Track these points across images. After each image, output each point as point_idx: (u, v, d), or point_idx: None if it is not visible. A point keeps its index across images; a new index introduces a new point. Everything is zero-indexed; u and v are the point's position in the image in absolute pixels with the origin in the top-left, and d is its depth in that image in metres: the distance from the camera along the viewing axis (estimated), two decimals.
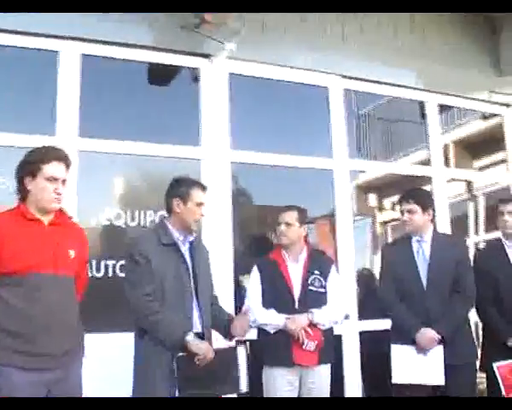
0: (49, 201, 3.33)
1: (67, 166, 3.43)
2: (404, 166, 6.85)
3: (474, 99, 6.73)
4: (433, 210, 4.52)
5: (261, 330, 4.38)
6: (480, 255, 4.80)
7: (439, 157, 6.34)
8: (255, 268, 4.51)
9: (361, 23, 5.99)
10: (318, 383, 4.32)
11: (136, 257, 3.68)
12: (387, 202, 10.47)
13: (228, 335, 3.95)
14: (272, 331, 4.29)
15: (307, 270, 4.42)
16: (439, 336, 4.18)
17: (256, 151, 5.42)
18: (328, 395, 4.38)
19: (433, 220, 4.51)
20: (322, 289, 4.41)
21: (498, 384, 4.27)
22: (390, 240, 6.02)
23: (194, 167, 5.04)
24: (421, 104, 6.60)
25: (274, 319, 4.28)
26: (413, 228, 4.41)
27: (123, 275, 4.75)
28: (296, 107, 5.84)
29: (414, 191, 4.57)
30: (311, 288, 4.37)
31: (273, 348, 4.25)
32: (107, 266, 4.83)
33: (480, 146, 7.57)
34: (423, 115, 6.67)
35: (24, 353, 3.15)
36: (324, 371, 4.38)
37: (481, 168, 7.83)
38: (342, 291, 4.51)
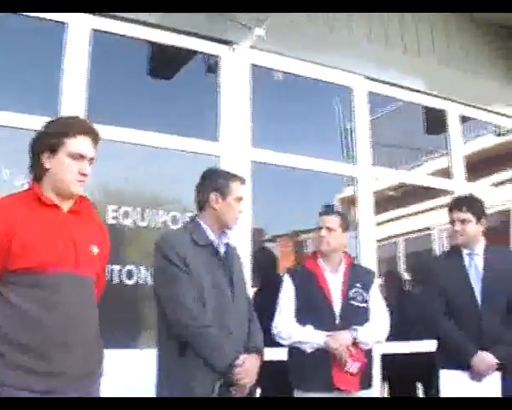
0: (71, 183, 2.67)
1: (95, 142, 2.77)
2: (426, 178, 6.34)
3: (490, 111, 6.38)
4: (486, 220, 4.06)
5: (292, 350, 3.84)
6: None
7: (461, 170, 5.93)
8: (287, 278, 3.95)
9: (386, 26, 5.57)
10: None
11: (173, 259, 3.09)
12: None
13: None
14: (309, 350, 3.75)
15: (348, 282, 3.90)
16: (498, 362, 3.72)
17: (276, 151, 4.91)
18: None
19: (484, 232, 4.06)
20: (364, 304, 3.88)
21: None
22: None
23: (211, 164, 4.48)
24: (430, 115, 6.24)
25: (313, 337, 3.73)
26: (465, 239, 3.95)
27: (129, 282, 4.22)
28: (318, 105, 5.37)
29: (468, 199, 4.10)
30: (352, 302, 3.84)
31: (309, 370, 3.70)
32: (112, 272, 4.18)
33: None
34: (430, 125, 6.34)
35: (36, 372, 2.47)
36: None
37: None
38: (384, 307, 4.01)
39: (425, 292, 4.14)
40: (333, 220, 3.96)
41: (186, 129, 4.56)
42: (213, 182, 3.33)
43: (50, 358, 2.50)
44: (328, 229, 3.93)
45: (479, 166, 6.53)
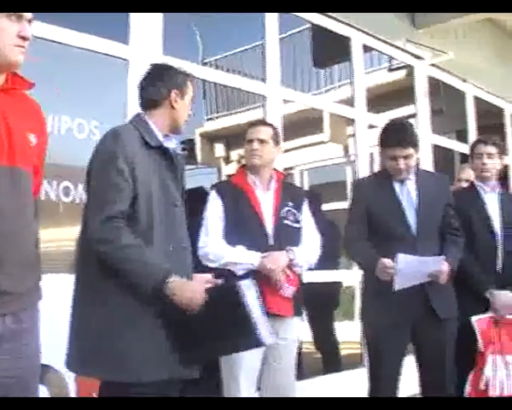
0: (9, 49, 2.07)
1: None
2: (331, 105, 6.14)
3: (391, 45, 6.29)
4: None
5: (221, 273, 3.47)
6: (455, 199, 4.20)
7: (362, 100, 5.78)
8: (214, 194, 3.58)
9: None
10: (290, 338, 3.53)
11: (119, 160, 2.57)
12: (235, 154, 9.86)
13: None
14: (240, 273, 3.40)
15: (280, 201, 3.59)
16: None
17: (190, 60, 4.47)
18: (295, 356, 3.62)
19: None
20: (297, 225, 3.61)
21: (475, 339, 3.81)
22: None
23: (119, 68, 3.99)
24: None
25: (246, 258, 3.40)
26: (409, 174, 3.72)
27: None
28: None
29: (406, 131, 3.76)
30: (285, 222, 3.55)
31: None
32: None
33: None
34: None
35: None
36: (296, 324, 3.61)
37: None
38: (315, 229, 3.74)
39: (349, 215, 3.87)
40: (265, 131, 3.62)
41: (94, 27, 3.98)
42: (173, 78, 2.83)
43: None
44: (261, 141, 3.59)
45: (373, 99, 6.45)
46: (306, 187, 7.36)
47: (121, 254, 2.52)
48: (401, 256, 3.40)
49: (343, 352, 6.13)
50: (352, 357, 6.17)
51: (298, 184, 7.42)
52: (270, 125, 3.74)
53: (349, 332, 6.26)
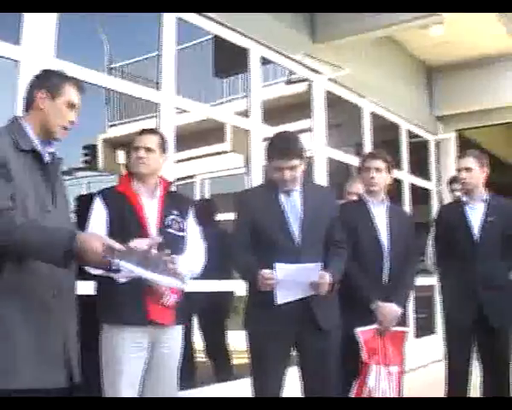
0: None
1: None
2: (225, 115, 6.21)
3: (289, 58, 6.41)
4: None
5: (101, 281, 3.46)
6: (342, 210, 4.29)
7: (258, 111, 5.88)
8: (98, 201, 3.56)
9: None
10: (172, 347, 3.56)
11: None
12: None
13: None
14: (121, 280, 3.37)
15: (164, 209, 3.60)
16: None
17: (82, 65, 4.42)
18: (177, 362, 3.62)
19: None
20: (182, 233, 3.63)
21: (358, 350, 3.91)
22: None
23: (9, 69, 3.91)
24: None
25: None
26: (294, 185, 3.78)
27: None
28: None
29: (294, 145, 3.78)
30: (169, 230, 3.56)
31: (121, 302, 3.35)
32: None
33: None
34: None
35: None
36: (179, 332, 3.63)
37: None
38: (200, 238, 3.77)
39: (233, 226, 3.90)
40: (151, 140, 3.64)
41: None
42: (44, 79, 2.76)
43: None
44: (147, 149, 3.59)
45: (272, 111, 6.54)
46: (207, 196, 7.36)
47: (19, 233, 2.42)
48: (279, 266, 3.47)
49: (237, 361, 6.16)
50: (246, 366, 6.20)
51: (198, 192, 7.43)
52: (158, 133, 3.75)
53: (244, 341, 6.29)
